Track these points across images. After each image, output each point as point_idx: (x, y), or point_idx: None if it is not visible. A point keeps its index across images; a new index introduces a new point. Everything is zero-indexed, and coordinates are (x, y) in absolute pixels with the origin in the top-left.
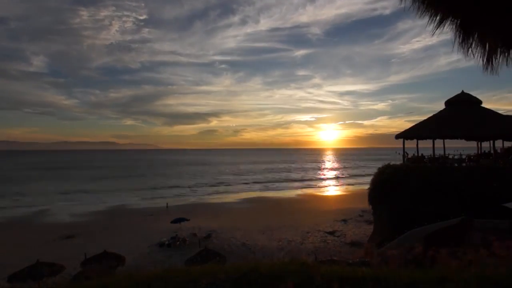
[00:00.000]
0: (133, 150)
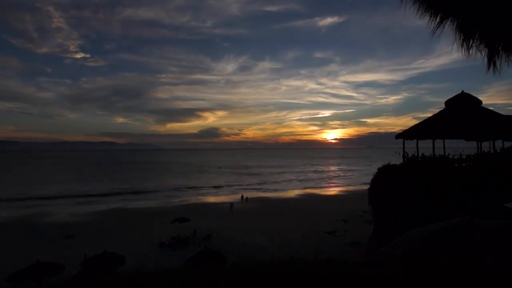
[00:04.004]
0: (133, 150)
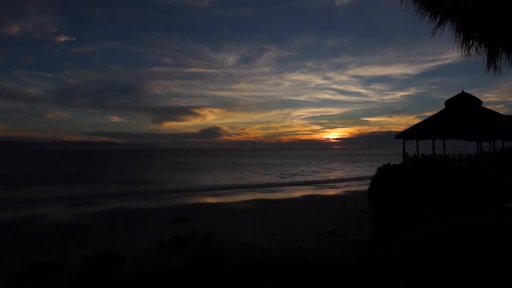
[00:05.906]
0: (135, 150)
